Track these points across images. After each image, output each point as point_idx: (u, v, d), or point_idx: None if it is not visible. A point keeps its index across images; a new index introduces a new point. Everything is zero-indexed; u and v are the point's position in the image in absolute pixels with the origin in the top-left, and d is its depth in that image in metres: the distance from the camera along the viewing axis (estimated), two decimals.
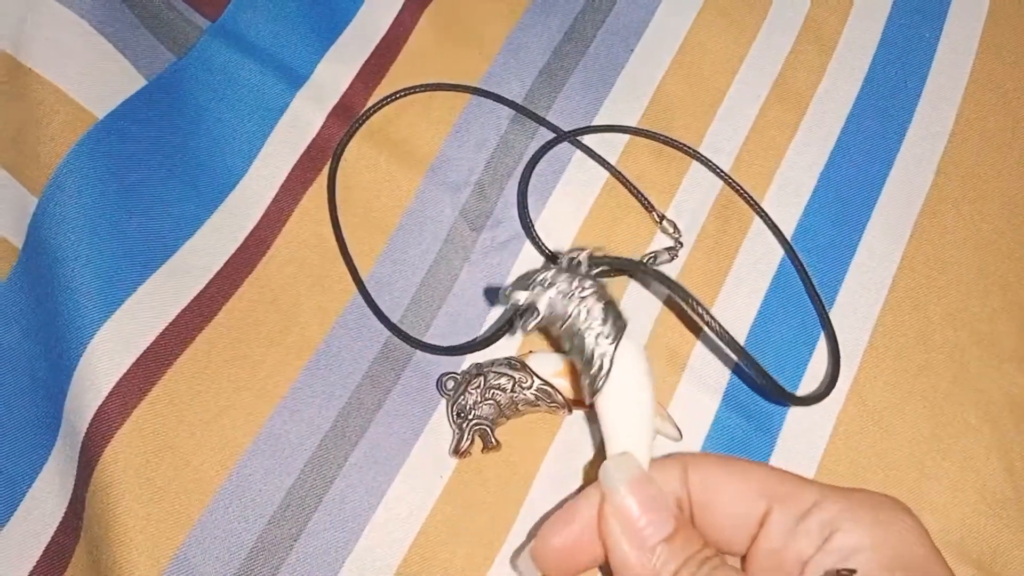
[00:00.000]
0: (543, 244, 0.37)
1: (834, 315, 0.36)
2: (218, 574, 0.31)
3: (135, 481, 0.32)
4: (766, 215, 0.38)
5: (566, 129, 0.39)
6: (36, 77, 0.37)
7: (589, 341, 0.28)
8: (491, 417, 0.33)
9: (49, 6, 0.37)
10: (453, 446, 0.33)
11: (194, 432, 0.33)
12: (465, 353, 0.35)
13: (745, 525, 0.26)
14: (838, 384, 0.35)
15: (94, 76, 0.36)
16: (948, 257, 0.38)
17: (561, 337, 0.30)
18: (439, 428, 0.34)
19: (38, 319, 0.35)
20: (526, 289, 0.29)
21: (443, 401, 0.34)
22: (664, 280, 0.30)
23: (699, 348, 0.36)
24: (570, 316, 0.28)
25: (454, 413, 0.33)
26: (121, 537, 0.31)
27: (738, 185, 0.38)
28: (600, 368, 0.28)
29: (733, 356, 0.34)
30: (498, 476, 0.33)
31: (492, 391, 0.33)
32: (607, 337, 0.28)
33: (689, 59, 0.41)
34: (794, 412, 0.35)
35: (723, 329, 0.29)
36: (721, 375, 0.35)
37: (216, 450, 0.33)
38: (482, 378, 0.33)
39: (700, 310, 0.29)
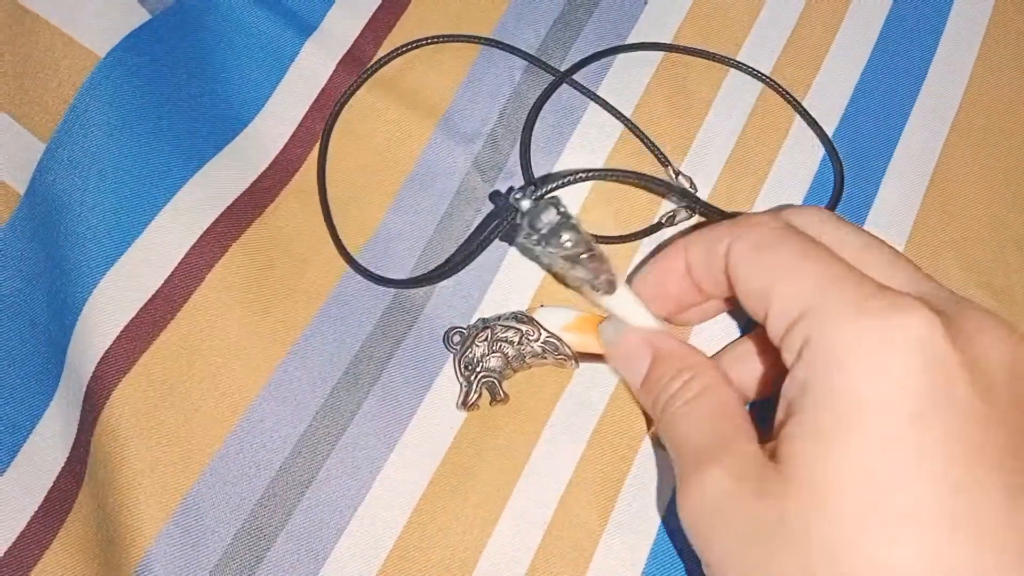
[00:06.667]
0: (544, 193, 0.36)
1: None
2: (228, 520, 0.30)
3: (144, 425, 0.31)
4: (809, 116, 0.38)
5: (582, 84, 0.38)
6: (40, 21, 0.36)
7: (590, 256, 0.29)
8: (499, 370, 0.32)
9: None
10: (461, 399, 0.32)
11: (204, 377, 0.32)
12: (452, 272, 0.34)
13: (758, 310, 0.26)
14: None
15: (98, 15, 0.36)
16: (961, 208, 0.38)
17: (554, 261, 0.29)
18: (450, 380, 0.33)
19: (40, 265, 0.34)
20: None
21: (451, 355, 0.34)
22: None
23: None
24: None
25: (462, 366, 0.33)
26: (129, 481, 0.30)
27: (779, 86, 0.38)
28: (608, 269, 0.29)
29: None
30: (508, 426, 0.33)
31: (499, 344, 0.32)
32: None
33: (705, 10, 0.40)
34: None
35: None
36: None
37: (227, 396, 0.32)
38: (489, 331, 0.33)
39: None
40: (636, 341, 0.30)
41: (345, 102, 0.38)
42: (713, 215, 0.36)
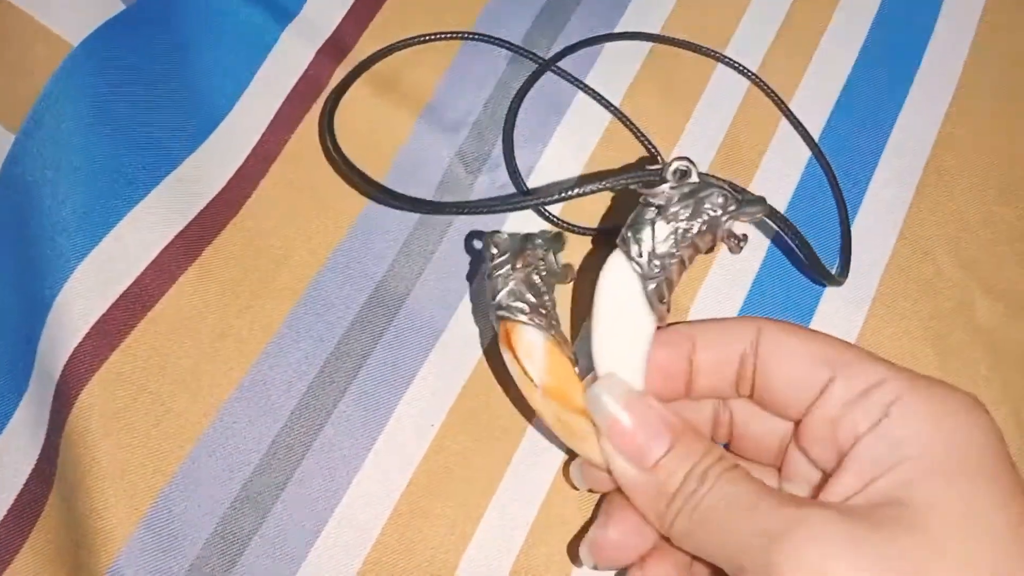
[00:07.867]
0: (523, 182, 0.35)
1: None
2: (200, 523, 0.29)
3: (113, 426, 0.30)
4: (797, 120, 0.37)
5: (569, 73, 0.37)
6: (11, 8, 0.35)
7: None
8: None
9: None
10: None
11: (175, 378, 0.31)
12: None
13: (805, 390, 0.25)
14: (847, 330, 0.34)
15: (72, 3, 0.35)
16: (953, 205, 0.37)
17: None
18: (430, 376, 0.33)
19: (8, 261, 0.33)
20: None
21: (433, 351, 0.33)
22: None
23: None
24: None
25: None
26: (99, 483, 0.29)
27: (766, 85, 0.38)
28: None
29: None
30: (489, 426, 0.32)
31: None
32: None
33: (694, 0, 0.39)
34: None
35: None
36: None
37: (199, 395, 0.31)
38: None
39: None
40: (652, 418, 0.25)
41: (340, 96, 0.36)
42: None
